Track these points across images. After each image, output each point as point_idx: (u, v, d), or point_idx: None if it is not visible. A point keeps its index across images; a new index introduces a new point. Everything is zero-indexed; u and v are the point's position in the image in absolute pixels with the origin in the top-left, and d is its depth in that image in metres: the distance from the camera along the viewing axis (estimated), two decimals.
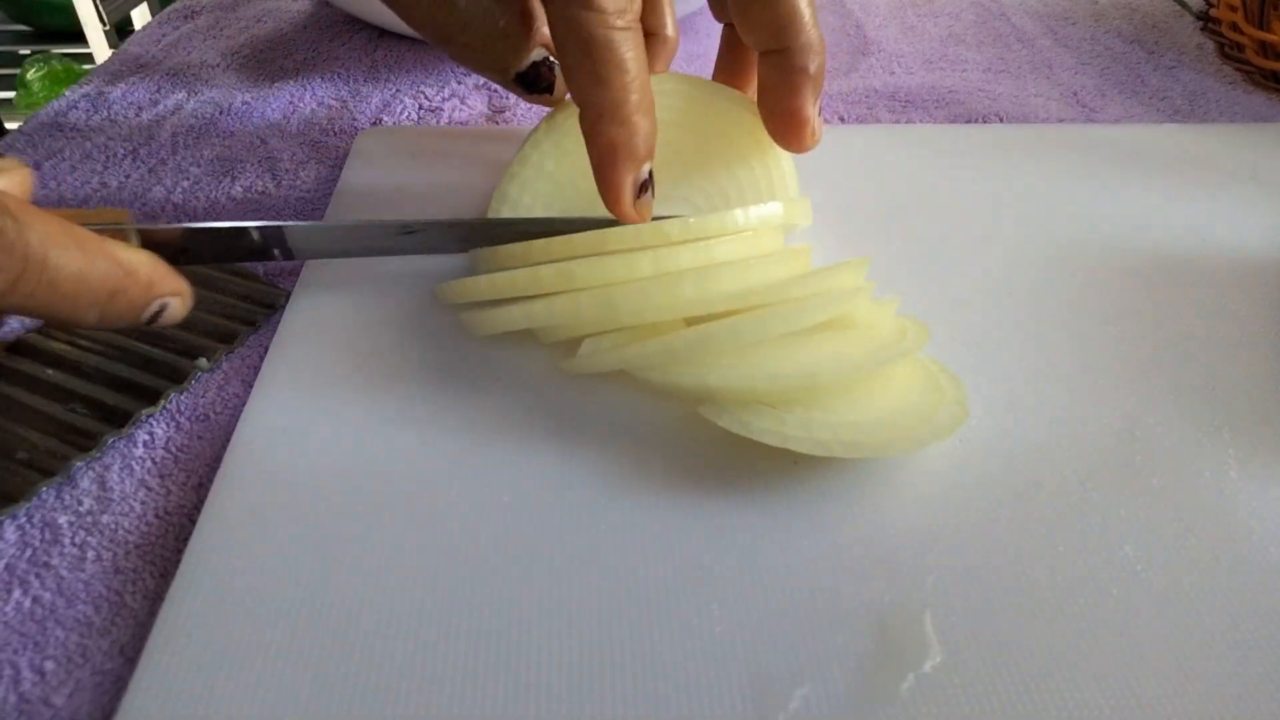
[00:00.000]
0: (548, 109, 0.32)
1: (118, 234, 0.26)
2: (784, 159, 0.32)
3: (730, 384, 0.24)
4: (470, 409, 0.27)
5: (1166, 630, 0.21)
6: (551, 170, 0.31)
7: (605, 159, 0.27)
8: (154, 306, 0.25)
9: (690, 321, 0.27)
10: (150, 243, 0.27)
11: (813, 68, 0.29)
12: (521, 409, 0.27)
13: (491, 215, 0.31)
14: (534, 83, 0.30)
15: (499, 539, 0.23)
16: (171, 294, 0.25)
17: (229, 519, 0.24)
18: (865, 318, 0.27)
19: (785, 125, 0.30)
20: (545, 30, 0.30)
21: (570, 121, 0.30)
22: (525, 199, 0.31)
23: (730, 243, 0.27)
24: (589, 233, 0.28)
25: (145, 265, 0.24)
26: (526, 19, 0.30)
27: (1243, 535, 0.23)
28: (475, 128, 0.43)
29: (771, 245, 0.29)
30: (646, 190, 0.28)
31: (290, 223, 0.29)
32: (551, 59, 0.31)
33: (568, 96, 0.30)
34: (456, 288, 0.28)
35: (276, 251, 0.29)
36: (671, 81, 0.31)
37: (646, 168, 0.27)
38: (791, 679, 0.20)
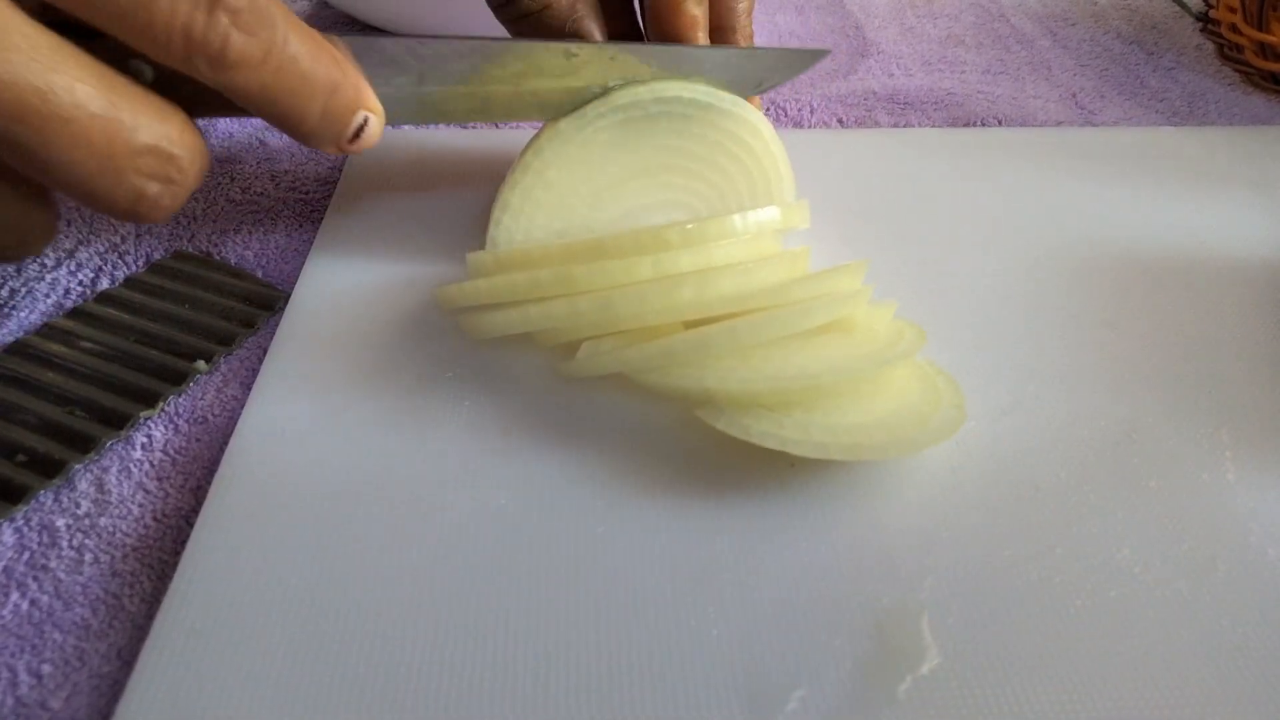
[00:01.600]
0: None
1: None
2: (780, 162, 0.32)
3: (728, 387, 0.24)
4: (468, 412, 0.27)
5: (1164, 632, 0.21)
6: (553, 178, 0.30)
7: (684, 32, 0.31)
8: (360, 117, 0.26)
9: (689, 324, 0.27)
10: None
11: None
12: (519, 412, 0.27)
13: (493, 224, 0.31)
14: None
15: (496, 542, 0.23)
16: (371, 109, 0.26)
17: (227, 522, 0.24)
18: (863, 321, 0.27)
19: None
20: (586, 21, 0.30)
21: (571, 129, 0.30)
22: (527, 207, 0.31)
23: (729, 246, 0.27)
24: (589, 239, 0.28)
25: (353, 68, 0.26)
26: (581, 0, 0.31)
27: (1240, 537, 0.23)
28: (475, 130, 0.43)
29: (770, 249, 0.29)
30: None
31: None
32: (576, 49, 0.30)
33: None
34: (456, 292, 0.28)
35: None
36: (672, 88, 0.31)
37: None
38: (789, 681, 0.20)
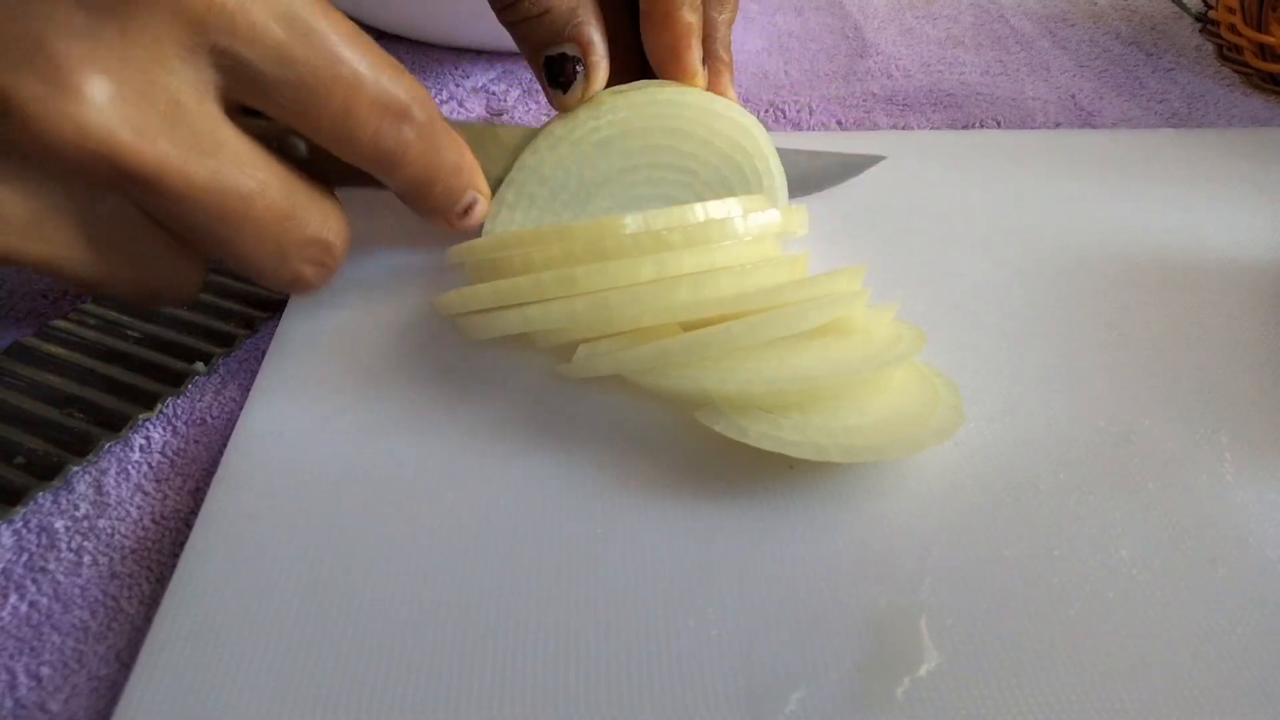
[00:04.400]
0: (545, 118, 0.33)
1: None
2: (773, 162, 0.32)
3: (727, 388, 0.24)
4: (467, 413, 0.27)
5: (1163, 633, 0.21)
6: (548, 174, 0.31)
7: (679, 39, 0.31)
8: (470, 196, 0.28)
9: (686, 326, 0.27)
10: None
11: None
12: (518, 413, 0.27)
13: (489, 219, 0.31)
14: (555, 74, 0.31)
15: (495, 543, 0.23)
16: (480, 189, 0.29)
17: (226, 523, 0.24)
18: (862, 323, 0.27)
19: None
20: (586, 28, 0.31)
21: (564, 130, 0.31)
22: (522, 202, 0.31)
23: (731, 248, 0.27)
24: (589, 239, 0.28)
25: (468, 150, 0.28)
26: (582, 5, 0.31)
27: (1239, 538, 0.23)
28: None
29: (770, 252, 0.29)
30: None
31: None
32: (579, 60, 0.31)
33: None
34: (456, 299, 0.28)
35: None
36: (665, 92, 0.31)
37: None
38: (787, 682, 0.20)
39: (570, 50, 0.30)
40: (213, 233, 0.23)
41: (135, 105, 0.21)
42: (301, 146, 0.27)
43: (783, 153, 0.33)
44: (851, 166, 0.38)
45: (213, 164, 0.22)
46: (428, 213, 0.28)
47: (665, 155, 0.31)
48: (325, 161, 0.26)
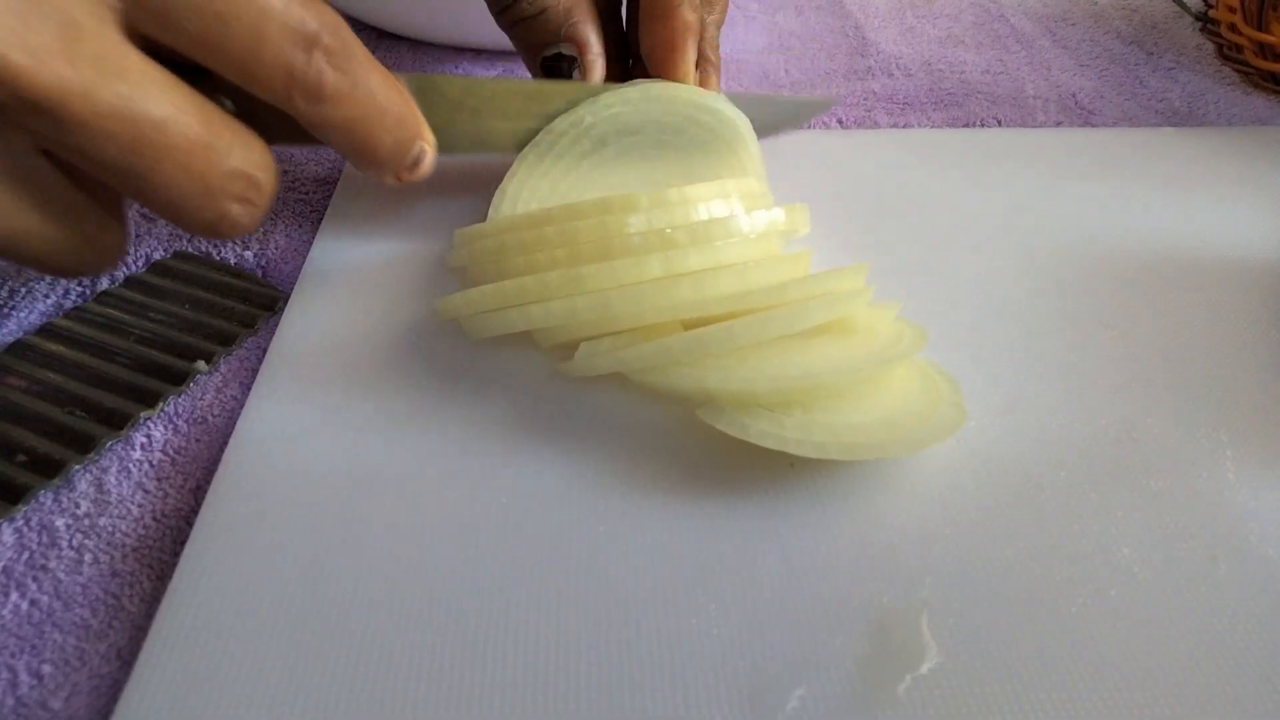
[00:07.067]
0: None
1: None
2: (752, 146, 0.33)
3: (729, 386, 0.24)
4: (468, 412, 0.27)
5: (1164, 631, 0.21)
6: (548, 168, 0.32)
7: (677, 36, 0.32)
8: (418, 147, 0.27)
9: (688, 324, 0.27)
10: None
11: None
12: (519, 412, 0.27)
13: (492, 210, 0.32)
14: (552, 74, 0.31)
15: (496, 542, 0.23)
16: (427, 140, 0.27)
17: (226, 522, 0.24)
18: (864, 321, 0.27)
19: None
20: (582, 27, 0.31)
21: (565, 125, 0.32)
22: (524, 193, 0.32)
23: (734, 246, 0.27)
24: (594, 239, 0.28)
25: (412, 100, 0.27)
26: (578, 5, 0.32)
27: (1240, 536, 0.23)
28: None
29: (772, 250, 0.29)
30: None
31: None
32: (576, 60, 0.31)
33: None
34: (461, 302, 0.28)
35: None
36: (656, 89, 0.32)
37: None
38: (789, 680, 0.20)
39: (566, 50, 0.31)
40: (127, 167, 0.21)
41: (26, 25, 0.19)
42: (228, 104, 0.25)
43: (735, 98, 0.33)
44: (805, 110, 0.39)
45: (119, 88, 0.20)
46: (371, 166, 0.27)
47: (660, 147, 0.32)
48: (256, 118, 0.25)
